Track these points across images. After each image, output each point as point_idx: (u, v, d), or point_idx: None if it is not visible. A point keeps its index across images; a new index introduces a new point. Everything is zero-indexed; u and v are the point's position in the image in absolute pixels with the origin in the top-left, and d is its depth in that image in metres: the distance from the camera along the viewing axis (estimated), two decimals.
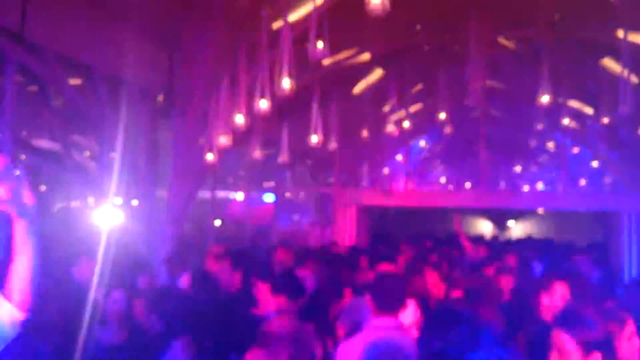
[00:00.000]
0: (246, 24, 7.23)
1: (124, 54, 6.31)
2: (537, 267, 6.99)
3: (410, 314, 3.41)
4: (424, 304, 3.76)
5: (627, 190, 13.58)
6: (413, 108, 12.85)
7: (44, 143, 7.65)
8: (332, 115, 10.05)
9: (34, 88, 6.84)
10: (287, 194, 13.97)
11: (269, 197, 13.54)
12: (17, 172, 1.87)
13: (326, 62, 8.26)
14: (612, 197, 14.04)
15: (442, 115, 10.06)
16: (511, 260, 6.29)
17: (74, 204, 11.11)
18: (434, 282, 5.06)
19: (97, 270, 3.94)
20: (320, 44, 5.40)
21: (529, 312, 3.68)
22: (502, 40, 10.61)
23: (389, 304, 3.20)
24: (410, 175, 14.94)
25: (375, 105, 12.12)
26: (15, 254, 1.87)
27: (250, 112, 6.52)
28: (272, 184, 13.32)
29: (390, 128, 10.57)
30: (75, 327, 3.12)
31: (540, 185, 19.04)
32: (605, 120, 9.80)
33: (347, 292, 4.59)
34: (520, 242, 13.85)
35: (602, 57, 9.69)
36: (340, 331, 3.81)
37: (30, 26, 5.20)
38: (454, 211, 11.83)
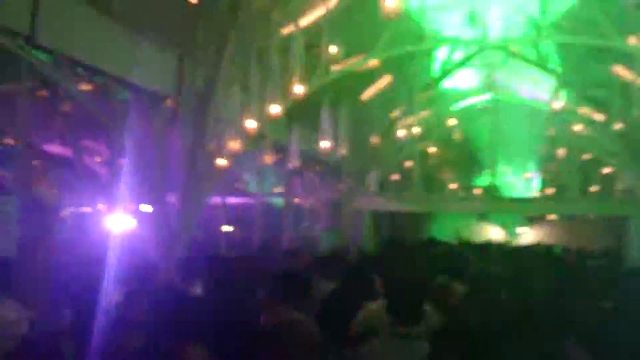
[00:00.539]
0: (257, 29, 7.22)
1: (134, 58, 6.30)
2: None
3: None
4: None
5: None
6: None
7: (54, 148, 7.66)
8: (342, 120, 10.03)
9: (44, 93, 6.85)
10: (297, 200, 13.91)
11: (278, 202, 13.48)
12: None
13: (336, 67, 8.23)
14: (624, 202, 13.89)
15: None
16: None
17: (85, 209, 11.11)
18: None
19: (109, 274, 3.92)
20: (332, 48, 5.37)
21: None
22: None
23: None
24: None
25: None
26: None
27: (261, 117, 6.49)
28: (281, 189, 13.27)
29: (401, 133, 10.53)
30: (89, 330, 3.10)
31: (551, 191, 18.93)
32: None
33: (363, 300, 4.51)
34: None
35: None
36: (356, 339, 3.73)
37: (41, 30, 5.21)
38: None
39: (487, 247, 10.53)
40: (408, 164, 15.65)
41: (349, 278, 5.05)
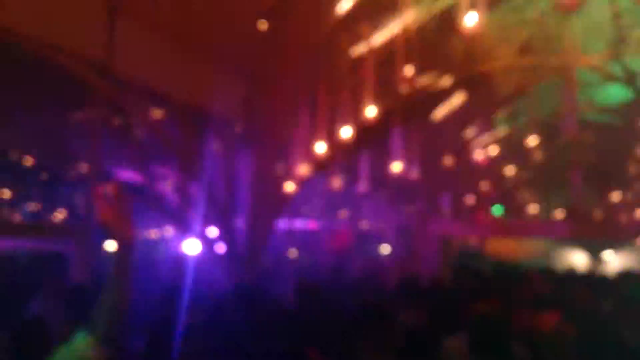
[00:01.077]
0: (325, 51, 7.07)
1: (203, 85, 6.30)
2: None
3: None
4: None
5: None
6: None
7: (126, 174, 7.80)
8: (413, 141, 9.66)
9: (117, 120, 6.99)
10: (366, 224, 13.59)
11: (347, 227, 13.21)
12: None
13: (409, 86, 7.92)
14: None
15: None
16: None
17: (153, 233, 11.34)
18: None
19: (182, 301, 3.86)
20: (407, 69, 5.09)
21: None
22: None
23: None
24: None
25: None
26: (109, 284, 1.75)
27: (330, 140, 6.28)
28: (349, 213, 13.02)
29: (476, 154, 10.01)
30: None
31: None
32: None
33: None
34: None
35: None
36: None
37: (116, 60, 5.28)
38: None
39: (574, 276, 9.69)
40: (484, 186, 14.95)
41: (433, 310, 4.73)
